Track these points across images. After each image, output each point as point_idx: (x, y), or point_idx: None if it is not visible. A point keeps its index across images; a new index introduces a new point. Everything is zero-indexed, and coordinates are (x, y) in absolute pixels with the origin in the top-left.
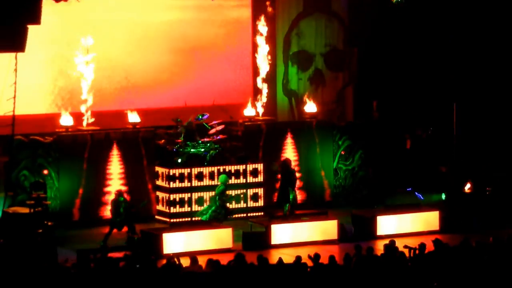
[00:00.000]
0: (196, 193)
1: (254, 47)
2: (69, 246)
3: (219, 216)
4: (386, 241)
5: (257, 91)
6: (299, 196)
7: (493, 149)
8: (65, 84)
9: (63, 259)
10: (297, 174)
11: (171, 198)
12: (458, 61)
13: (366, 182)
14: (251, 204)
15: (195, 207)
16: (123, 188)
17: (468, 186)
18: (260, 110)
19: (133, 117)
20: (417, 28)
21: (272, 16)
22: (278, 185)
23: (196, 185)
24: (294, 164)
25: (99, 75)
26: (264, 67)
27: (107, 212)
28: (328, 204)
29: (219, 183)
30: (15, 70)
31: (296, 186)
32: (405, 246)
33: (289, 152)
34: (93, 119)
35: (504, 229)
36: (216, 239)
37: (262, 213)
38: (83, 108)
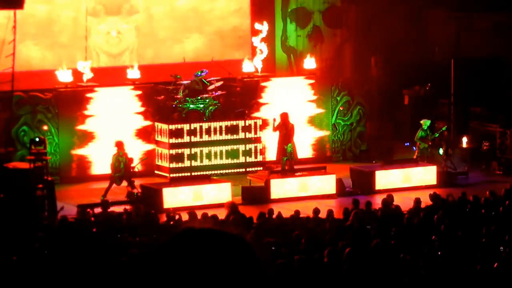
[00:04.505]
0: (195, 148)
1: (253, 3)
2: (69, 200)
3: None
4: (384, 196)
5: (255, 48)
6: (302, 151)
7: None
8: (65, 41)
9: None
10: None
11: (171, 154)
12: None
13: (364, 138)
14: (249, 159)
15: (194, 162)
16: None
17: (465, 141)
18: (259, 67)
19: (133, 73)
20: None
21: None
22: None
23: (195, 140)
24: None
25: (98, 32)
26: (262, 23)
27: (106, 167)
28: (327, 158)
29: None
30: (14, 27)
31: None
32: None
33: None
34: (92, 75)
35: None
36: (215, 193)
37: (261, 168)
38: (80, 65)
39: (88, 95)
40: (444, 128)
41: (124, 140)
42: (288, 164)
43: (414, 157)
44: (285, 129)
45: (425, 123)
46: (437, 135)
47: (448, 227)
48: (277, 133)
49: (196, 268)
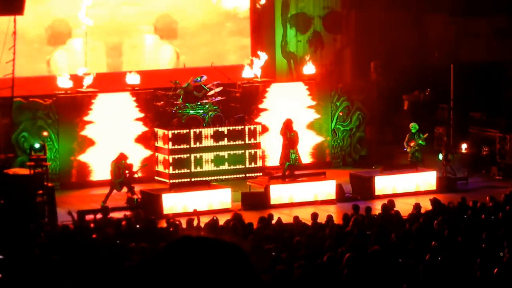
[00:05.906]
0: (195, 154)
1: (253, 8)
2: (69, 206)
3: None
4: (384, 201)
5: (255, 53)
6: (302, 156)
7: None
8: (64, 47)
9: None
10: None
11: (170, 159)
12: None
13: (364, 143)
14: (249, 165)
15: (194, 168)
16: (123, 151)
17: (464, 146)
18: (259, 72)
19: (132, 79)
20: None
21: None
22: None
23: (194, 146)
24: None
25: (97, 37)
26: (262, 29)
27: (106, 173)
28: (326, 164)
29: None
30: (14, 33)
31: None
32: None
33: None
34: (91, 81)
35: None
36: (215, 199)
37: (261, 174)
38: (80, 71)
39: (88, 101)
40: (426, 135)
41: (127, 152)
42: (289, 169)
43: (408, 159)
44: (289, 135)
45: (413, 126)
46: (423, 136)
47: (448, 232)
48: (281, 138)
49: (191, 277)
